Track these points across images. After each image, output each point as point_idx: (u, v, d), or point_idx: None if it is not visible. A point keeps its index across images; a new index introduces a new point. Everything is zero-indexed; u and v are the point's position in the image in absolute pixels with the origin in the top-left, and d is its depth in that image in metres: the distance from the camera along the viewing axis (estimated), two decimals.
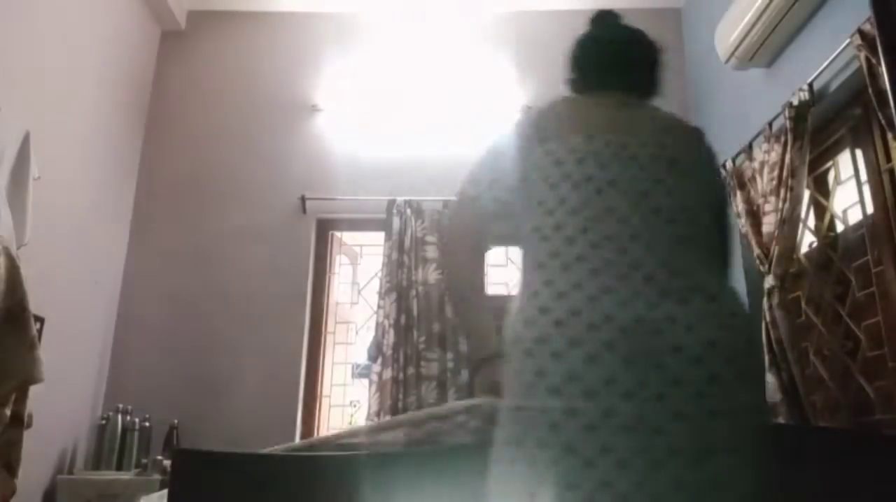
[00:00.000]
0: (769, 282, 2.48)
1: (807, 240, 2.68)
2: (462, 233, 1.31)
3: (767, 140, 2.62)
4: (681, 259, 1.10)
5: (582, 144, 1.19)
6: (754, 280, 2.79)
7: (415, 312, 3.30)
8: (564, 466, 0.98)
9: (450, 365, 3.22)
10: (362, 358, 3.71)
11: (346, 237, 3.82)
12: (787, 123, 2.44)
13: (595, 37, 1.50)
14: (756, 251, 2.60)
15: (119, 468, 3.00)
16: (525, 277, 1.16)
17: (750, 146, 2.79)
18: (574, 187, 1.15)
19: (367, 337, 3.45)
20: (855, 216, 2.39)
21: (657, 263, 1.08)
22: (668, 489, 0.96)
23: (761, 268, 2.56)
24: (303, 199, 3.57)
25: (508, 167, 1.26)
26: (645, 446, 0.97)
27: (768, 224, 2.54)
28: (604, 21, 1.52)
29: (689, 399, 0.99)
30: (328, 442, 1.50)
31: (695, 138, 1.32)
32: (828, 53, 2.28)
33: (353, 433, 1.59)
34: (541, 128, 1.26)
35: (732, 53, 2.80)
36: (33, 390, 1.98)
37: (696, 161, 1.27)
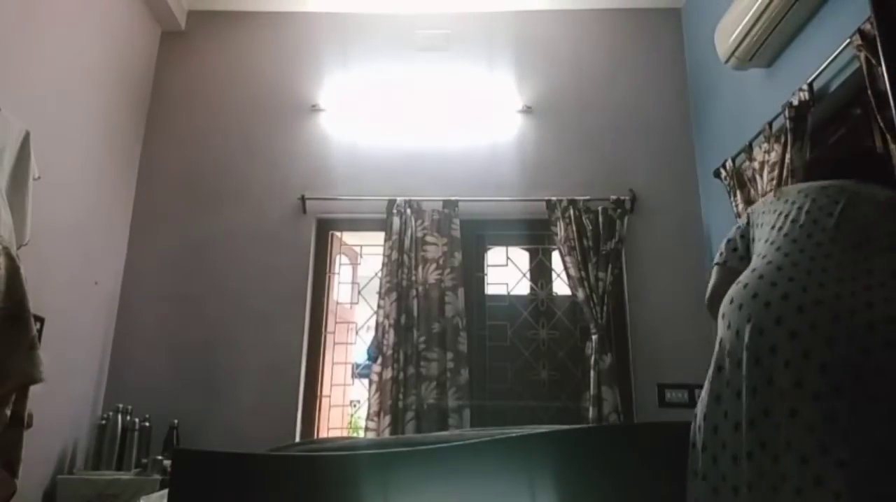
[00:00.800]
0: None
1: None
2: (721, 293, 1.48)
3: (767, 140, 2.62)
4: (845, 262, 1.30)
5: (781, 205, 1.50)
6: None
7: (415, 312, 3.30)
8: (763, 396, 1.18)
9: (450, 365, 3.22)
10: (362, 358, 3.71)
11: (346, 237, 3.82)
12: (787, 123, 2.44)
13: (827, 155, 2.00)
14: None
15: (119, 468, 3.00)
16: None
17: (750, 146, 2.79)
18: (777, 229, 1.45)
19: (367, 337, 3.45)
20: None
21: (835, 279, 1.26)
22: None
23: None
24: (303, 199, 3.57)
25: (744, 235, 1.60)
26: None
27: None
28: None
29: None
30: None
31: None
32: (828, 53, 2.28)
33: None
34: (766, 202, 1.59)
35: (732, 53, 2.80)
36: (33, 390, 1.97)
37: (836, 205, 1.44)
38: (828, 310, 1.19)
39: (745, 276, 1.38)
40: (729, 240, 1.65)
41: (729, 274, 1.54)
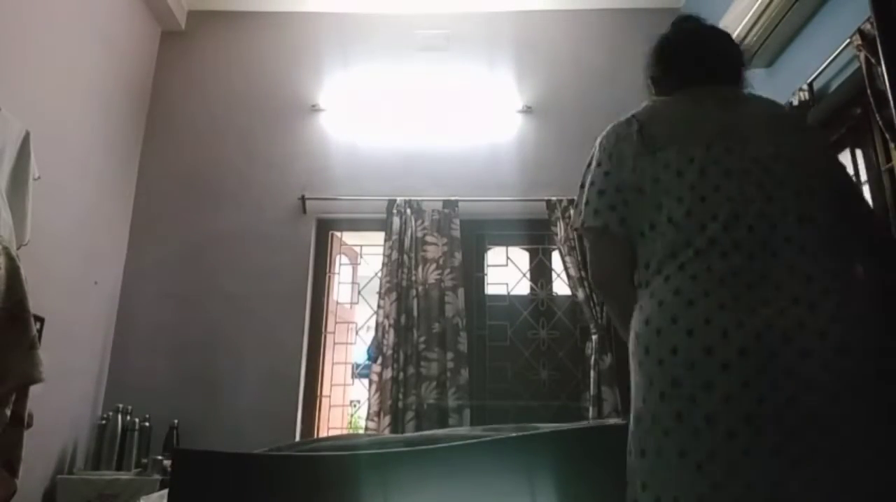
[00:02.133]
0: None
1: None
2: (609, 269, 1.29)
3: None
4: (812, 261, 1.11)
5: (702, 154, 1.19)
6: None
7: (415, 312, 3.30)
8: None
9: (450, 365, 3.22)
10: (362, 358, 3.71)
11: (346, 237, 3.82)
12: None
13: (682, 32, 1.49)
14: None
15: (119, 468, 3.00)
16: (648, 286, 1.18)
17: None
18: (700, 199, 1.16)
19: (367, 337, 3.45)
20: None
21: (787, 269, 1.09)
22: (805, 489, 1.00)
23: None
24: (303, 199, 3.57)
25: (622, 185, 1.25)
26: (781, 448, 1.01)
27: None
28: (687, 20, 1.53)
29: (823, 403, 1.02)
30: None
31: (801, 125, 1.33)
32: (828, 53, 2.28)
33: None
34: (649, 136, 1.25)
35: None
36: (33, 390, 1.97)
37: (812, 151, 1.26)
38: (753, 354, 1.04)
39: (650, 310, 1.14)
40: (601, 192, 1.28)
41: (613, 244, 1.26)
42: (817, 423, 1.01)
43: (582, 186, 1.35)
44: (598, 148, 1.35)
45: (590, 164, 1.35)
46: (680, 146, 1.21)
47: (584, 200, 1.32)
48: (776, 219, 1.13)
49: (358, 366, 4.06)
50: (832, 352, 1.03)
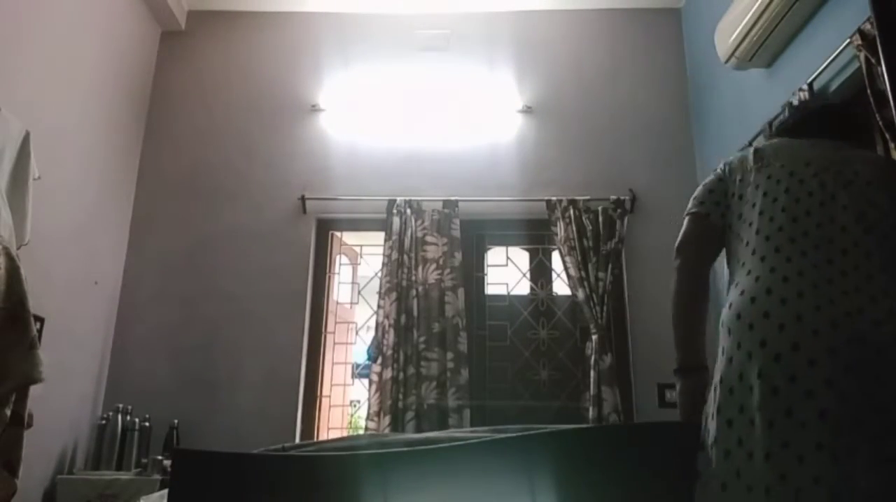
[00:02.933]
0: None
1: None
2: (694, 244, 1.46)
3: (768, 140, 2.61)
4: (859, 260, 1.23)
5: (801, 168, 1.36)
6: None
7: (415, 312, 3.30)
8: (780, 427, 1.12)
9: (450, 365, 3.22)
10: (362, 358, 3.71)
11: (346, 237, 3.82)
12: None
13: (814, 99, 1.74)
14: None
15: (119, 468, 3.00)
16: (744, 266, 1.32)
17: (750, 146, 2.79)
18: (795, 201, 1.32)
19: (367, 337, 3.45)
20: None
21: (865, 278, 1.21)
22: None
23: None
24: (303, 199, 3.57)
25: (729, 190, 1.45)
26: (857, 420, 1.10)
27: None
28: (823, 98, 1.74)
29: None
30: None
31: (887, 174, 1.40)
32: (828, 53, 2.28)
33: None
34: (761, 157, 1.44)
35: (732, 53, 2.80)
36: (33, 390, 1.97)
37: (854, 172, 1.36)
38: (842, 333, 1.14)
39: (748, 285, 1.27)
40: (710, 191, 1.48)
41: (708, 229, 1.45)
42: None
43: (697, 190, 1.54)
44: (721, 163, 1.54)
45: (710, 175, 1.56)
46: (785, 163, 1.39)
47: (695, 195, 1.51)
48: (857, 237, 1.26)
49: (358, 366, 4.06)
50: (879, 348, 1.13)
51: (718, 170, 1.51)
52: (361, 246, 3.85)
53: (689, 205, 1.50)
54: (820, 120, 1.55)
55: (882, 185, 1.33)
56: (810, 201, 1.31)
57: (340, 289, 3.75)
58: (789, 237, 1.28)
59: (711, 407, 1.26)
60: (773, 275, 1.25)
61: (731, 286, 1.34)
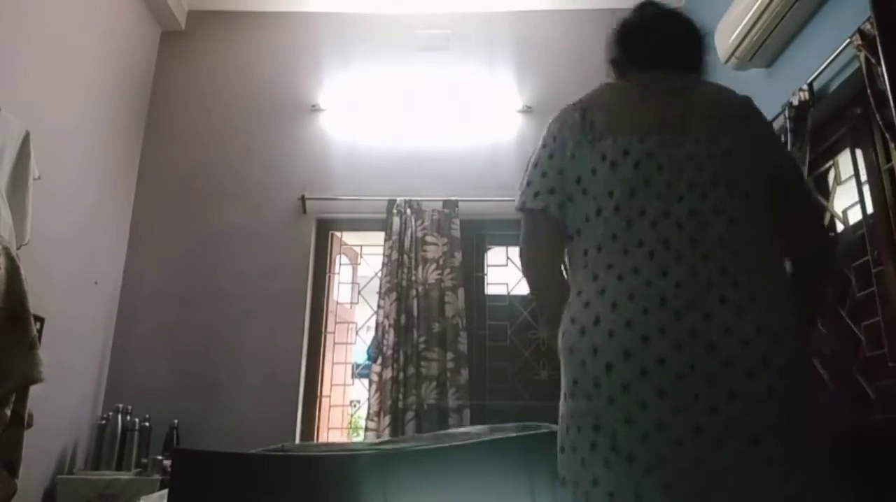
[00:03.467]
0: None
1: None
2: (540, 250, 1.27)
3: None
4: (742, 265, 1.08)
5: (636, 146, 1.17)
6: None
7: (415, 312, 3.30)
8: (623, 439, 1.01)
9: (450, 365, 3.22)
10: (362, 358, 3.71)
11: (346, 237, 3.82)
12: (787, 123, 2.44)
13: (642, 16, 1.45)
14: None
15: (119, 468, 3.00)
16: (576, 283, 1.16)
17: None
18: (631, 195, 1.14)
19: (367, 337, 3.45)
20: (855, 216, 2.38)
21: (716, 269, 1.07)
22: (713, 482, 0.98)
23: None
24: (303, 199, 3.57)
25: (566, 171, 1.24)
26: (702, 459, 0.98)
27: None
28: (649, 6, 1.47)
29: (743, 413, 0.99)
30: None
31: (743, 114, 1.26)
32: (828, 53, 2.28)
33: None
34: (590, 125, 1.23)
35: (732, 53, 2.79)
36: (33, 390, 1.97)
37: (754, 144, 1.21)
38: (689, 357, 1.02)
39: (592, 299, 1.10)
40: (543, 174, 1.27)
41: (549, 226, 1.24)
42: (739, 432, 0.99)
43: (526, 169, 1.35)
44: (546, 129, 1.34)
45: (538, 146, 1.36)
46: (617, 136, 1.19)
47: (526, 181, 1.31)
48: (707, 217, 1.10)
49: (358, 366, 4.06)
50: (756, 361, 1.00)
51: (548, 143, 1.32)
52: (361, 246, 3.85)
53: (521, 196, 1.30)
54: (651, 46, 1.36)
55: (741, 148, 1.17)
56: (646, 192, 1.13)
57: (340, 289, 3.75)
58: (623, 249, 1.11)
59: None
60: (602, 299, 1.09)
61: (573, 294, 1.17)
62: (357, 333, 3.76)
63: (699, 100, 1.26)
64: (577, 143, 1.23)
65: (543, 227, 1.25)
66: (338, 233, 3.75)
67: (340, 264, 3.78)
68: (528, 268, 1.29)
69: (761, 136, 1.26)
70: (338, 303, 3.70)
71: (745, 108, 1.27)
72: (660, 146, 1.16)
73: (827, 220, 2.59)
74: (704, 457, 0.98)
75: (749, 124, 1.25)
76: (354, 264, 3.94)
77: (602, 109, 1.25)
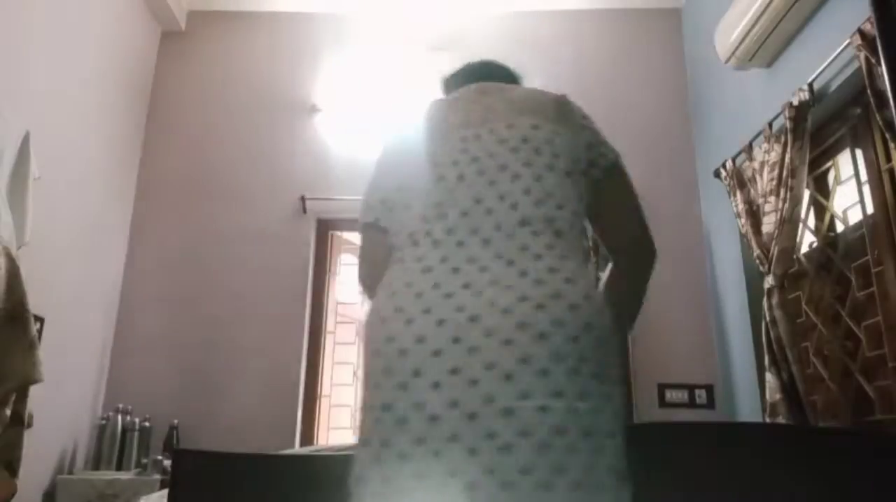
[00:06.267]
0: (769, 282, 2.48)
1: (807, 240, 2.68)
2: (378, 264, 1.24)
3: (767, 140, 2.62)
4: (516, 246, 1.08)
5: (438, 147, 1.21)
6: (754, 280, 2.79)
7: None
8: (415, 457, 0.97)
9: None
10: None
11: (348, 237, 3.82)
12: (787, 123, 2.44)
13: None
14: (756, 251, 2.61)
15: (119, 468, 3.00)
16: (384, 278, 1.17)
17: (750, 146, 2.79)
18: (427, 194, 1.17)
19: None
20: (855, 216, 2.39)
21: (493, 254, 1.07)
22: (481, 477, 0.94)
23: (761, 268, 2.56)
24: (303, 199, 3.57)
25: (395, 181, 1.29)
26: (460, 434, 0.95)
27: (768, 224, 2.54)
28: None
29: (499, 383, 0.97)
30: None
31: (552, 108, 1.27)
32: (828, 53, 2.28)
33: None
34: (409, 139, 1.30)
35: (732, 53, 2.80)
36: (33, 390, 1.98)
37: (553, 133, 1.22)
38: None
39: (379, 301, 1.11)
40: (376, 187, 1.37)
41: (379, 237, 1.30)
42: (493, 404, 0.96)
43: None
44: (383, 147, 1.40)
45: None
46: (427, 145, 1.23)
47: (364, 197, 1.38)
48: (492, 204, 1.12)
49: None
50: (514, 327, 0.98)
51: (380, 159, 1.40)
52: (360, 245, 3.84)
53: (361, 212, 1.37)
54: (469, 70, 1.47)
55: (543, 134, 1.20)
56: (439, 187, 1.16)
57: (344, 289, 3.75)
58: (413, 241, 1.14)
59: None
60: (384, 291, 1.12)
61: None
62: (358, 333, 3.76)
63: (503, 94, 1.30)
64: (405, 153, 1.31)
65: (376, 242, 1.32)
66: (338, 233, 3.75)
67: (341, 264, 3.77)
68: (367, 289, 1.32)
69: (573, 124, 1.27)
70: (338, 302, 3.70)
71: (555, 102, 1.29)
72: (457, 142, 1.20)
73: (827, 220, 2.59)
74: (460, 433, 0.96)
75: (560, 115, 1.26)
76: None
77: (429, 118, 1.30)
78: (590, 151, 1.28)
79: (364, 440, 1.04)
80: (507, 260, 1.06)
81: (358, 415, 1.10)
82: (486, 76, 1.42)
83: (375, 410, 1.02)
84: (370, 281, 1.25)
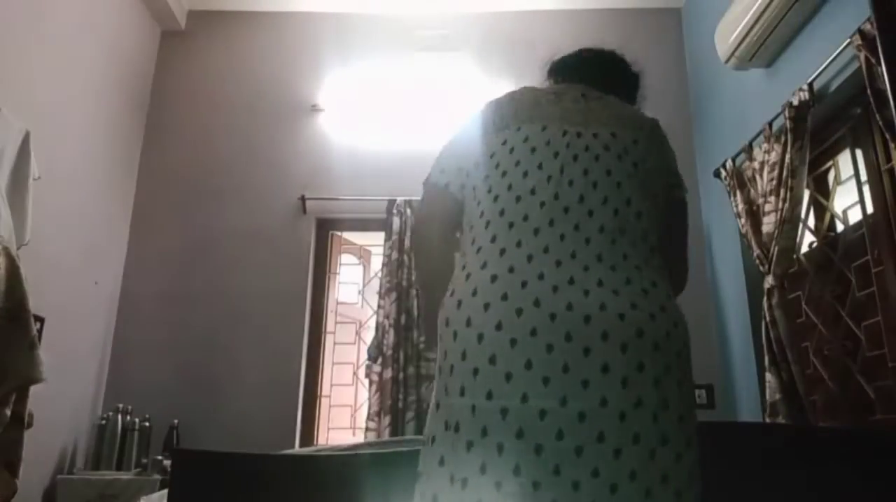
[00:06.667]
0: (769, 282, 2.48)
1: (807, 240, 2.68)
2: (433, 220, 1.29)
3: (767, 140, 2.62)
4: (618, 252, 1.09)
5: (536, 133, 1.20)
6: (754, 280, 2.79)
7: (415, 312, 3.30)
8: (483, 450, 0.96)
9: None
10: (362, 358, 3.71)
11: (354, 236, 3.82)
12: (787, 123, 2.44)
13: (576, 52, 1.55)
14: (756, 251, 2.61)
15: (119, 468, 3.00)
16: (465, 261, 1.15)
17: (750, 146, 2.79)
18: (524, 175, 1.15)
19: (368, 336, 3.45)
20: (855, 216, 2.39)
21: (594, 254, 1.07)
22: (587, 477, 0.94)
23: (761, 268, 2.56)
24: (303, 199, 3.57)
25: (472, 154, 1.26)
26: (566, 432, 0.95)
27: (768, 224, 2.54)
28: (585, 50, 1.55)
29: (614, 387, 0.97)
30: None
31: (649, 128, 1.29)
32: (828, 53, 2.28)
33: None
34: (499, 115, 1.27)
35: (732, 53, 2.80)
36: (33, 390, 1.98)
37: (647, 152, 1.24)
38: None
39: (478, 281, 1.07)
40: (452, 155, 1.32)
41: (448, 201, 1.26)
42: (608, 407, 0.96)
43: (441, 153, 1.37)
44: (462, 123, 1.37)
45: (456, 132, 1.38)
46: (519, 125, 1.23)
47: (437, 159, 1.35)
48: (594, 204, 1.12)
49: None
50: (633, 334, 0.99)
51: (459, 133, 1.35)
52: (361, 246, 3.85)
53: (431, 171, 1.33)
54: (574, 67, 1.44)
55: (639, 151, 1.21)
56: (538, 175, 1.14)
57: (346, 289, 3.75)
58: (508, 223, 1.11)
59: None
60: (484, 272, 1.08)
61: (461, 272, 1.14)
62: (357, 333, 3.76)
63: (607, 103, 1.30)
64: (485, 133, 1.26)
65: (443, 202, 1.28)
66: (338, 233, 3.75)
67: (341, 264, 3.77)
68: (421, 238, 1.31)
69: (665, 150, 1.30)
70: (338, 302, 3.70)
71: (652, 125, 1.31)
72: (559, 135, 1.20)
73: (827, 220, 2.59)
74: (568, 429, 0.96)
75: (654, 136, 1.29)
76: (367, 263, 3.92)
77: (512, 103, 1.30)
78: (671, 178, 1.30)
79: (455, 427, 1.00)
80: (609, 264, 1.07)
81: (437, 403, 1.06)
82: (588, 78, 1.39)
83: (474, 398, 0.98)
84: (430, 239, 1.27)
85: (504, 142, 1.21)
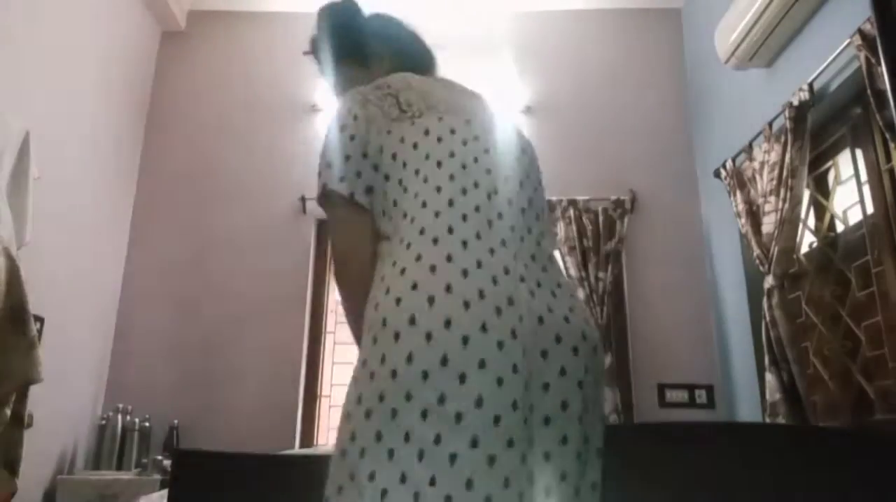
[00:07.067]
0: (769, 282, 2.48)
1: (807, 240, 2.68)
2: (357, 243, 1.14)
3: (767, 140, 2.62)
4: (535, 247, 1.11)
5: (462, 126, 1.18)
6: (754, 280, 2.79)
7: None
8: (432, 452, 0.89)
9: None
10: None
11: None
12: (787, 123, 2.44)
13: (387, 17, 1.59)
14: (756, 251, 2.61)
15: (119, 468, 3.00)
16: (392, 254, 1.06)
17: (750, 146, 2.79)
18: (463, 167, 1.11)
19: None
20: (855, 216, 2.39)
21: (518, 243, 1.07)
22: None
23: (761, 268, 2.56)
24: (303, 199, 3.57)
25: (372, 148, 1.18)
26: (522, 437, 0.93)
27: (768, 224, 2.54)
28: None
29: (572, 390, 0.99)
30: None
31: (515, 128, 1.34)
32: (828, 53, 2.28)
33: None
34: (406, 103, 1.21)
35: (732, 53, 2.80)
36: (33, 390, 1.98)
37: (518, 141, 1.29)
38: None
39: (416, 275, 0.98)
40: (347, 157, 1.20)
41: (358, 214, 1.13)
42: (567, 410, 0.98)
43: (322, 154, 1.27)
44: (343, 111, 1.27)
45: (332, 130, 1.29)
46: (440, 115, 1.18)
47: (325, 164, 1.23)
48: (523, 203, 1.14)
49: None
50: (580, 337, 1.01)
51: (347, 125, 1.24)
52: None
53: (321, 181, 1.21)
54: (417, 51, 1.47)
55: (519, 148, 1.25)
56: (476, 167, 1.12)
57: None
58: (461, 215, 1.05)
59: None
60: (419, 264, 0.99)
61: (385, 269, 1.04)
62: None
63: (459, 89, 1.34)
64: (393, 121, 1.18)
65: (353, 216, 1.15)
66: None
67: None
68: (344, 265, 1.16)
69: (530, 148, 1.32)
70: (338, 302, 3.69)
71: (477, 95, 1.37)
72: (483, 132, 1.21)
73: (827, 220, 2.59)
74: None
75: (521, 135, 1.32)
76: None
77: (412, 91, 1.24)
78: (539, 182, 1.31)
79: (436, 439, 0.89)
80: (541, 265, 1.08)
81: (366, 407, 0.94)
82: (420, 63, 1.44)
83: (422, 401, 0.89)
84: (355, 262, 1.13)
85: (427, 132, 1.14)
